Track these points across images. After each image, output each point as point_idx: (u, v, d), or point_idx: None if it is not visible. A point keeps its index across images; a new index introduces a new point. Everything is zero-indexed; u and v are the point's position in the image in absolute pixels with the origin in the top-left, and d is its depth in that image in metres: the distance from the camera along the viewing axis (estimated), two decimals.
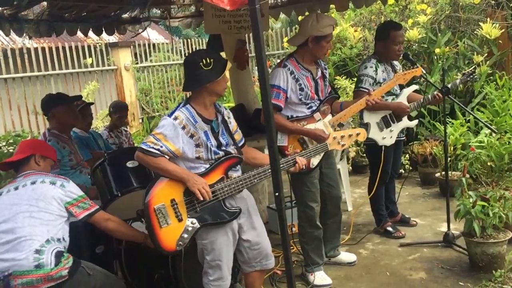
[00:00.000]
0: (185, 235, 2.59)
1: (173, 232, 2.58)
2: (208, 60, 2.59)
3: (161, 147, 2.56)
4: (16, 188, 2.66)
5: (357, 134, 3.00)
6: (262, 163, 2.84)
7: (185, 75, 2.73)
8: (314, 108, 3.42)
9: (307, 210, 3.51)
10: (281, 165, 2.68)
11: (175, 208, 2.59)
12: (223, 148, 2.72)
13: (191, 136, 2.62)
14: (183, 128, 2.60)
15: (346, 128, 3.61)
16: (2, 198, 2.65)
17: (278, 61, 9.66)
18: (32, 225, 2.50)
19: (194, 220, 2.61)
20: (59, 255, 2.48)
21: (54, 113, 3.70)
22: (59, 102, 3.72)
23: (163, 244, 2.57)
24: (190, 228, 2.60)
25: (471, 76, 4.19)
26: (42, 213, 2.56)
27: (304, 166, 2.88)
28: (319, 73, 3.47)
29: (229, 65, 2.68)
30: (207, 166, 2.66)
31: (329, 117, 3.49)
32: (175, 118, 2.60)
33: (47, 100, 3.79)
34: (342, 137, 2.92)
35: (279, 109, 3.34)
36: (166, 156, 2.58)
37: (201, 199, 2.57)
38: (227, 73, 2.73)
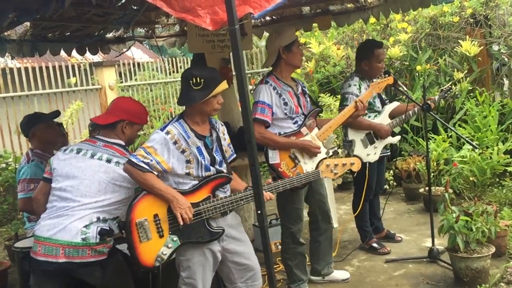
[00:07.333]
0: (165, 252, 2.55)
1: (152, 247, 2.54)
2: (198, 80, 2.57)
3: (151, 161, 2.53)
4: (92, 156, 2.69)
5: (351, 164, 2.92)
6: (235, 188, 2.80)
7: (181, 88, 2.74)
8: (300, 122, 3.46)
9: (292, 227, 3.51)
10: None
11: (157, 224, 2.55)
12: (216, 166, 2.69)
13: (182, 152, 2.59)
14: (175, 143, 2.58)
15: (330, 141, 3.58)
16: (77, 158, 2.70)
17: None
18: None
19: (176, 237, 2.57)
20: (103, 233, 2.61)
21: (34, 132, 3.66)
22: (37, 121, 3.69)
23: (141, 259, 2.53)
24: (170, 245, 2.56)
25: (449, 92, 4.33)
26: (102, 197, 2.63)
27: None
28: (299, 89, 3.54)
29: (224, 85, 2.65)
30: (196, 182, 2.64)
31: (316, 130, 3.52)
32: (167, 133, 2.58)
33: (26, 121, 3.74)
34: (336, 165, 2.88)
35: (266, 125, 3.36)
36: (154, 172, 2.55)
37: (181, 223, 2.53)
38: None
